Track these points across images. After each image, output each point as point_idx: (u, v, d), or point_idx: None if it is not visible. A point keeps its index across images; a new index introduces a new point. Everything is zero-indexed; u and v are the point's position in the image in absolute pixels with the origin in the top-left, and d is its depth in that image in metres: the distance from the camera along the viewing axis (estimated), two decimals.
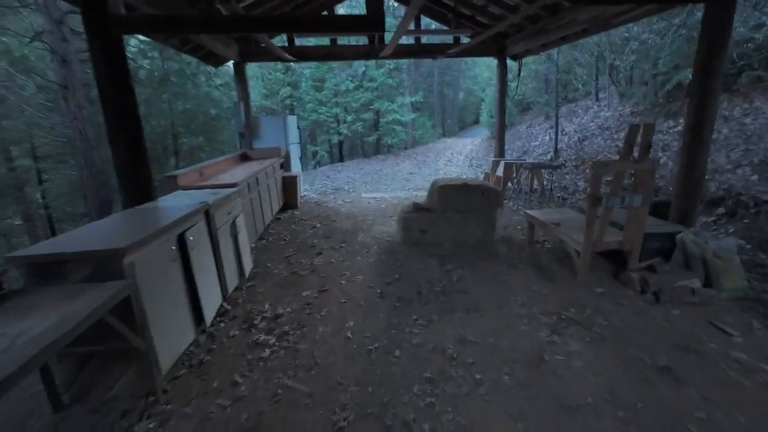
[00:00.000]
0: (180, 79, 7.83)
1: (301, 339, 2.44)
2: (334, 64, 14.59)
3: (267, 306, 2.86)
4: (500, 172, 6.57)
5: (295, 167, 6.72)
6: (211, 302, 2.59)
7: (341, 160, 15.75)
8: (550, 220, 3.63)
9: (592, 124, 7.49)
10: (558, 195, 6.24)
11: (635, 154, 2.90)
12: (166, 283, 2.09)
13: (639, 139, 2.88)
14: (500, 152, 7.29)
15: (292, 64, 14.70)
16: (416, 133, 17.35)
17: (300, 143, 7.14)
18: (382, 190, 7.59)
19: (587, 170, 6.47)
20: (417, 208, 4.23)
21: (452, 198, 4.07)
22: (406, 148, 16.80)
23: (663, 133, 5.82)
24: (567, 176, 6.66)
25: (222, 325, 2.63)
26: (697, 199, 3.49)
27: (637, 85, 7.24)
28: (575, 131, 7.69)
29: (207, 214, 2.68)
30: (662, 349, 2.24)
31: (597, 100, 8.41)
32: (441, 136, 23.12)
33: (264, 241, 4.40)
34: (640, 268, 3.11)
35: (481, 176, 8.14)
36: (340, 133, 14.47)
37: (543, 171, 6.23)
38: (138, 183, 3.00)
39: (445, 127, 25.83)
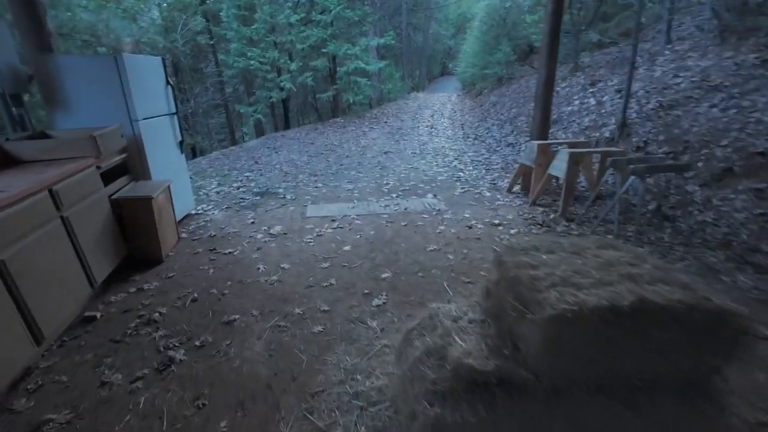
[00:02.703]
0: None
1: None
2: None
3: None
4: (558, 169, 3.64)
5: (163, 169, 3.32)
6: None
7: (286, 125, 11.99)
8: None
9: (679, 80, 4.68)
10: (649, 210, 3.50)
11: None
12: None
13: None
14: (542, 129, 4.32)
15: None
16: (386, 87, 13.73)
17: (177, 114, 3.68)
18: (342, 193, 4.46)
19: (699, 164, 3.74)
20: (465, 383, 1.25)
21: (599, 349, 1.14)
22: (371, 107, 13.25)
23: None
24: None
25: None
26: None
27: (753, 14, 4.48)
28: (646, 92, 4.87)
29: None
30: None
31: (669, 42, 5.56)
32: (411, 90, 19.59)
33: None
34: None
35: (513, 170, 5.26)
36: (282, 88, 10.57)
37: (645, 175, 3.40)
38: None
39: (414, 79, 22.16)
